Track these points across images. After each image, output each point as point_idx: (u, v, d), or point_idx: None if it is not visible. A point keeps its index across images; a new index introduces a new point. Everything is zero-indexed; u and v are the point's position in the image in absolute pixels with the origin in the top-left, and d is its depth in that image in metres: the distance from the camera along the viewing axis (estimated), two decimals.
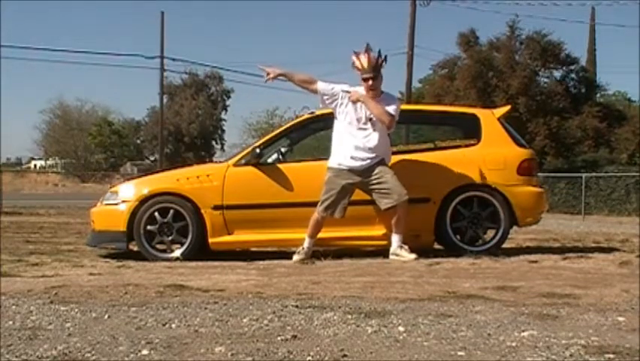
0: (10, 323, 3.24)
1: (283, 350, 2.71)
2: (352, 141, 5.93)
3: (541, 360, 2.62)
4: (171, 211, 6.15)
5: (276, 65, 6.30)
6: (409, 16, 25.02)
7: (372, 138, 5.92)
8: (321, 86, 6.03)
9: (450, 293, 4.07)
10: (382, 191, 5.89)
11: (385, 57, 6.01)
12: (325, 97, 6.01)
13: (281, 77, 6.12)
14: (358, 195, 6.14)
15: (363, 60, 5.91)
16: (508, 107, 7.37)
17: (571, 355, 2.67)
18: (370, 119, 5.91)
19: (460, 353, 2.71)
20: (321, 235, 6.17)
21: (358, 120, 5.94)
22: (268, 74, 6.11)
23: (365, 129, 5.93)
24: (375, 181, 5.92)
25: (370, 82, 5.90)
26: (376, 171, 5.92)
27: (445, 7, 67.55)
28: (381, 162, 5.98)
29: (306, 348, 2.76)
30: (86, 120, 57.45)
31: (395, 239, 5.90)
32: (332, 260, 5.76)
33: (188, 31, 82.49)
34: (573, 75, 31.15)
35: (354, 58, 5.99)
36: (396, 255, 5.83)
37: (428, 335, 2.99)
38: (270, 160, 6.45)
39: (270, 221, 6.21)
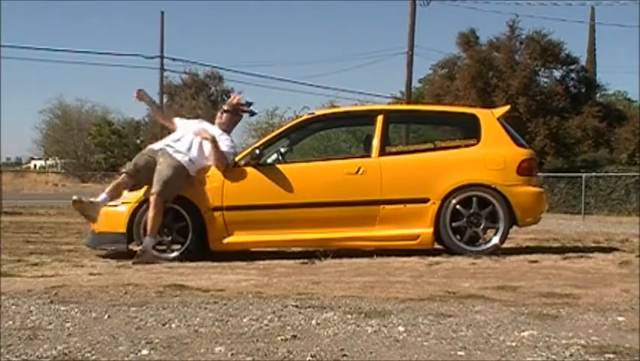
0: (10, 323, 3.24)
1: (283, 350, 2.72)
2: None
3: (541, 360, 2.62)
4: (171, 212, 6.14)
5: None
6: (409, 16, 25.06)
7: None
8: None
9: (450, 293, 4.07)
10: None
11: (252, 112, 6.70)
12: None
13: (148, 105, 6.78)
14: (358, 195, 6.16)
15: (233, 99, 6.68)
16: (507, 107, 7.36)
17: (571, 355, 2.67)
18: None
19: (460, 353, 2.71)
20: (321, 235, 6.18)
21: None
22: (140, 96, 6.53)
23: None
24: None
25: (222, 113, 6.50)
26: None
27: (445, 7, 67.52)
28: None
29: (306, 348, 2.76)
30: (85, 120, 57.36)
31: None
32: (332, 260, 5.76)
33: (188, 31, 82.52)
34: (573, 75, 31.15)
35: (234, 95, 6.99)
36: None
37: (428, 335, 2.99)
38: (269, 161, 6.45)
39: (270, 222, 6.20)
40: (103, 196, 6.06)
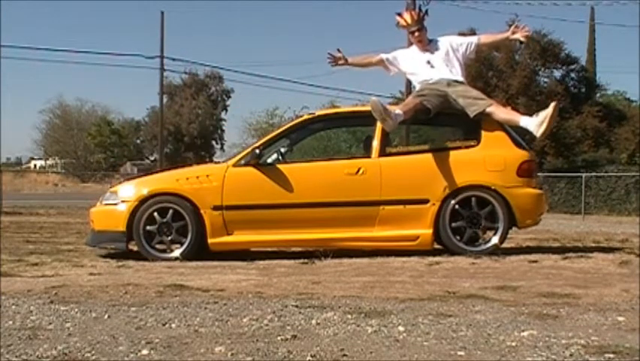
0: (10, 323, 3.24)
1: (283, 350, 2.72)
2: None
3: (541, 360, 2.62)
4: (170, 211, 6.14)
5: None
6: None
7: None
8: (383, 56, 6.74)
9: (450, 293, 4.07)
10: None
11: (427, 11, 6.65)
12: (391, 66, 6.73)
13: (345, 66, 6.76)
14: (357, 196, 6.17)
15: (407, 17, 6.61)
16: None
17: (571, 355, 2.67)
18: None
19: (460, 353, 2.71)
20: (321, 235, 6.18)
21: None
22: (335, 59, 6.66)
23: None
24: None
25: (416, 33, 6.54)
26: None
27: (445, 7, 67.43)
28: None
29: (306, 348, 2.76)
30: (85, 120, 57.43)
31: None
32: (332, 260, 5.76)
33: (188, 31, 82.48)
34: (573, 75, 31.15)
35: (398, 18, 6.65)
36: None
37: (428, 335, 2.99)
38: (269, 160, 6.45)
39: (270, 222, 6.20)
40: (398, 112, 6.25)
